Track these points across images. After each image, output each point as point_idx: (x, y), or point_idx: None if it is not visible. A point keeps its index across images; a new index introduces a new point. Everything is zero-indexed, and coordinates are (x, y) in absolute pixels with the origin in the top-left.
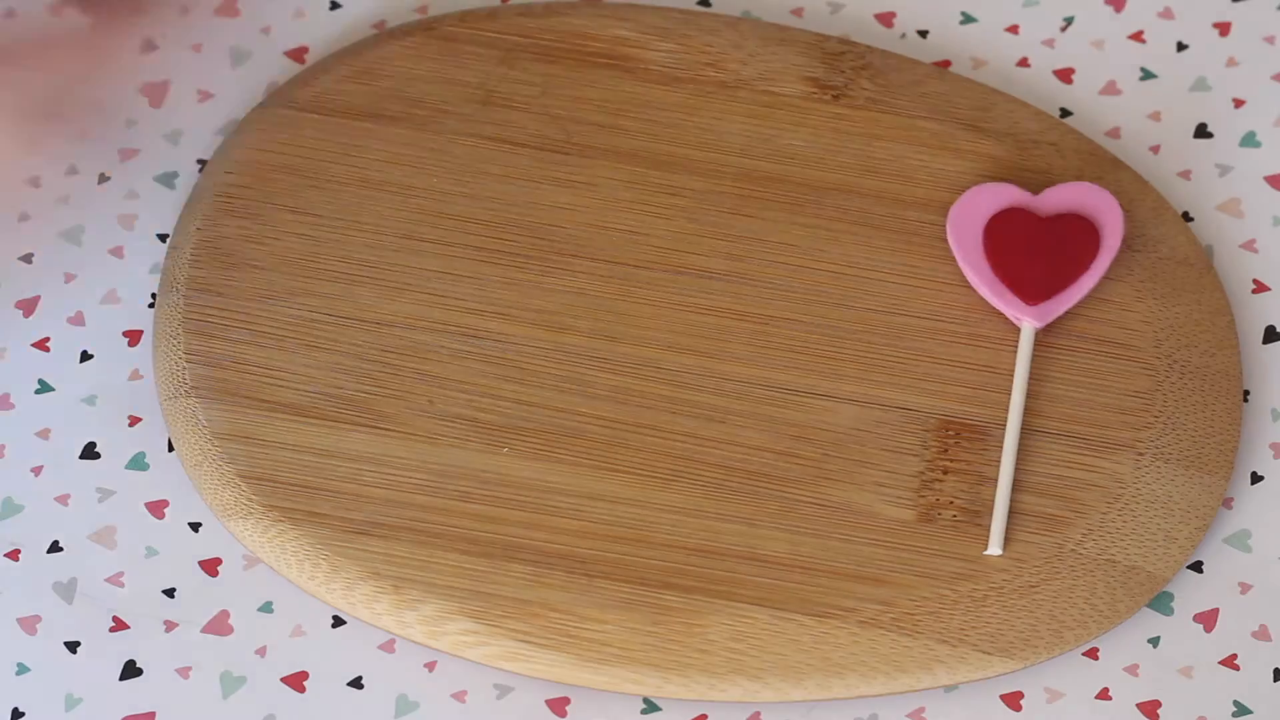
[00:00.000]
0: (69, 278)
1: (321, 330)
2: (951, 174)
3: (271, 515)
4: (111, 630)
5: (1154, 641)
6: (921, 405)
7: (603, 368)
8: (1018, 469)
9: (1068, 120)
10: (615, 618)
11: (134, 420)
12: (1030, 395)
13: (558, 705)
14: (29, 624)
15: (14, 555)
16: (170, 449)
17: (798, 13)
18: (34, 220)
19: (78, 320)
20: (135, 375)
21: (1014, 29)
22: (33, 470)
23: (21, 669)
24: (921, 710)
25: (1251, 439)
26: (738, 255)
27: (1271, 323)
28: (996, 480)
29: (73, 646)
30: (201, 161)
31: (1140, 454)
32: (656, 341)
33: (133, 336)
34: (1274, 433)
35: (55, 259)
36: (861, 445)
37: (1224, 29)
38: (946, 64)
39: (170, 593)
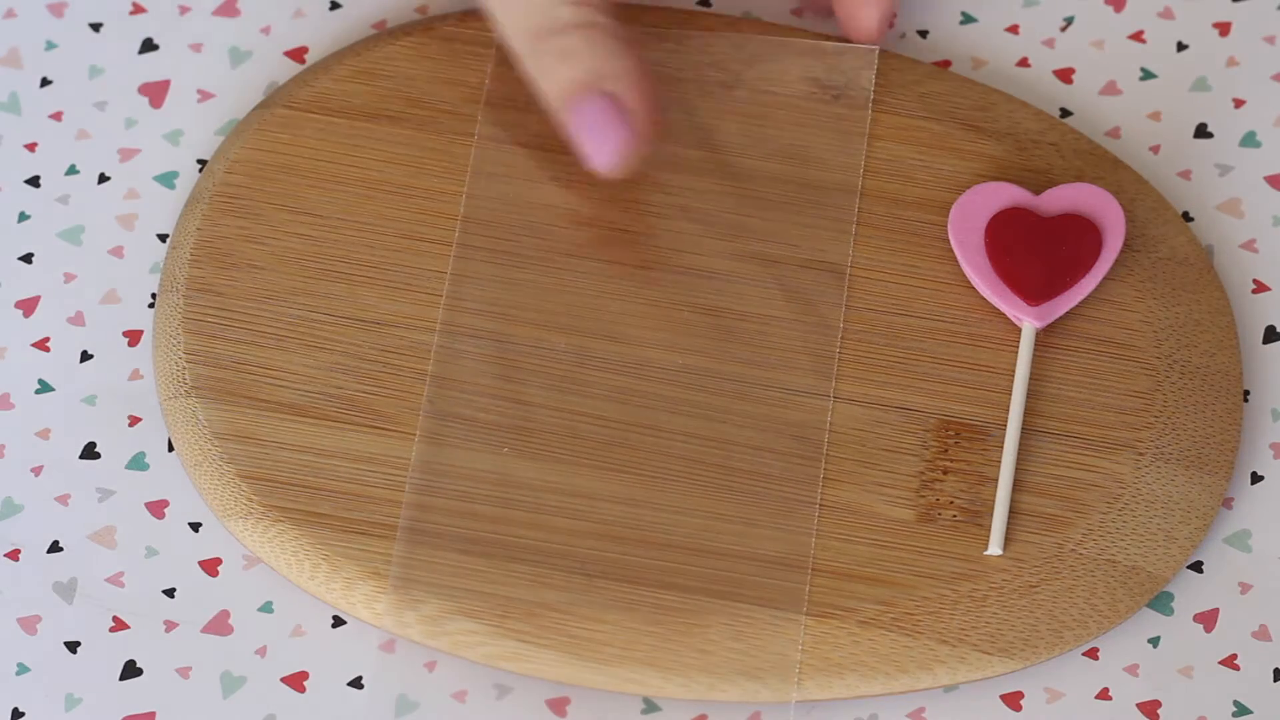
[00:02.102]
0: (69, 278)
1: (321, 330)
2: (951, 174)
3: (271, 515)
4: (111, 630)
5: (1154, 641)
6: (921, 405)
7: (603, 368)
8: (1018, 469)
9: (1068, 120)
10: (615, 618)
11: (134, 420)
12: (1030, 395)
13: (558, 705)
14: (29, 624)
15: (14, 555)
16: (170, 449)
17: (798, 13)
18: (34, 220)
19: (78, 320)
20: (135, 375)
21: (1014, 29)
22: (33, 470)
23: (21, 669)
24: (921, 710)
25: (1251, 439)
26: (738, 255)
27: (1271, 323)
28: (996, 480)
29: (73, 646)
30: (201, 161)
31: (1140, 454)
32: (656, 342)
33: (133, 336)
34: (1274, 433)
35: (55, 259)
36: (861, 445)
37: (1224, 29)
38: (946, 64)
39: (170, 593)
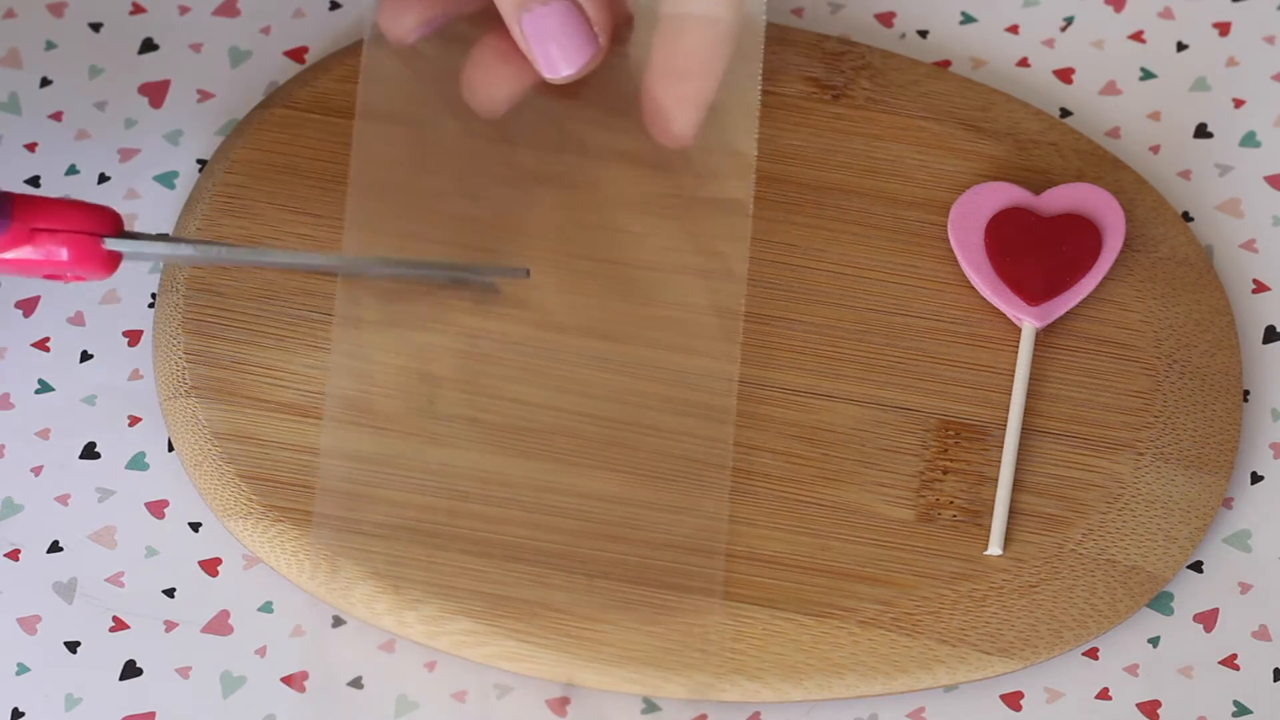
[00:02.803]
0: None
1: (321, 330)
2: (951, 174)
3: (271, 515)
4: (111, 630)
5: (1154, 641)
6: (921, 405)
7: (603, 368)
8: (1018, 469)
9: (1068, 120)
10: (615, 618)
11: (134, 420)
12: (1030, 395)
13: (558, 705)
14: (29, 624)
15: (14, 555)
16: (170, 449)
17: (798, 13)
18: None
19: (78, 320)
20: (135, 375)
21: (1014, 29)
22: (33, 470)
23: (21, 669)
24: (921, 710)
25: (1251, 439)
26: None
27: (1271, 323)
28: (996, 480)
29: (73, 646)
30: (201, 161)
31: (1140, 454)
32: (656, 342)
33: (133, 336)
34: (1274, 433)
35: None
36: (861, 445)
37: (1224, 29)
38: (946, 64)
39: (170, 593)
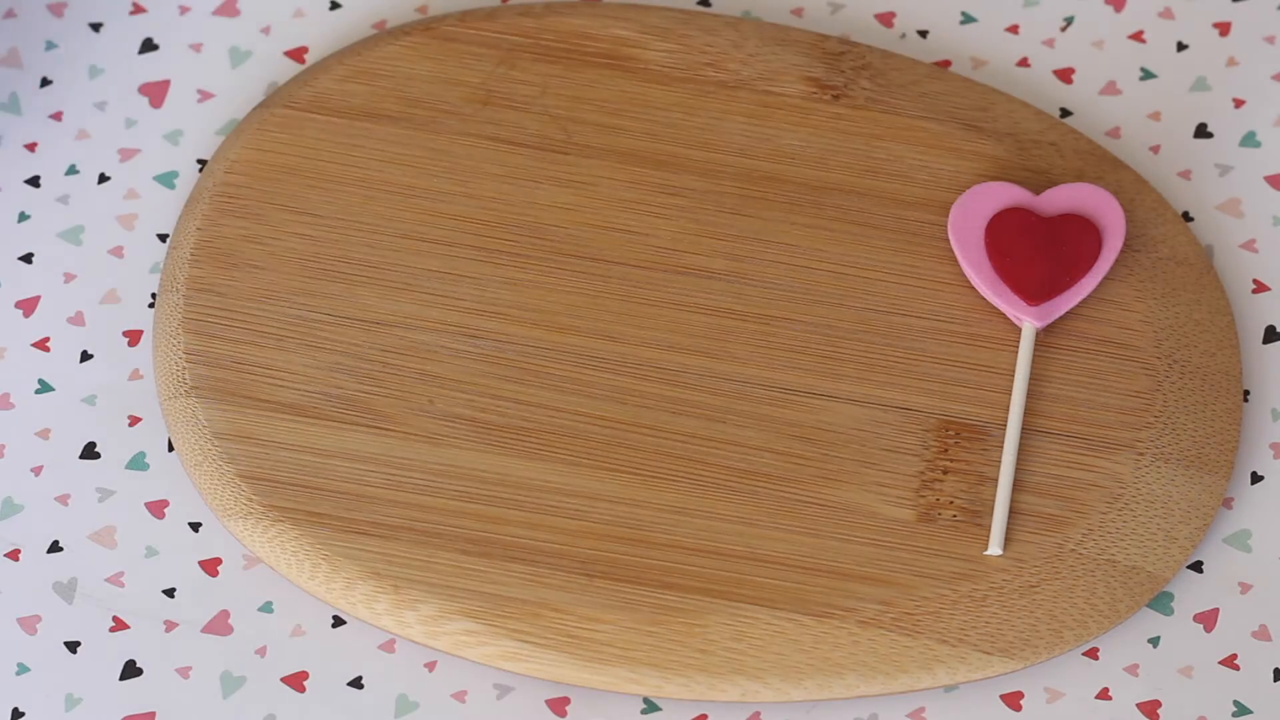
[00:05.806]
0: (69, 278)
1: (321, 330)
2: (951, 174)
3: (271, 515)
4: (111, 630)
5: (1154, 641)
6: (921, 405)
7: (603, 368)
8: (1018, 469)
9: (1068, 120)
10: (615, 618)
11: (134, 420)
12: (1030, 395)
13: (558, 705)
14: (29, 624)
15: (14, 555)
16: (170, 449)
17: (798, 13)
18: (34, 220)
19: (78, 320)
20: (135, 375)
21: (1014, 29)
22: (33, 470)
23: (21, 669)
24: (921, 710)
25: (1251, 439)
26: (738, 255)
27: (1271, 323)
28: (996, 480)
29: (73, 646)
30: (201, 161)
31: (1140, 454)
32: (656, 342)
33: (133, 336)
34: (1274, 433)
35: (55, 259)
36: (861, 445)
37: (1224, 29)
38: (946, 64)
39: (170, 593)
